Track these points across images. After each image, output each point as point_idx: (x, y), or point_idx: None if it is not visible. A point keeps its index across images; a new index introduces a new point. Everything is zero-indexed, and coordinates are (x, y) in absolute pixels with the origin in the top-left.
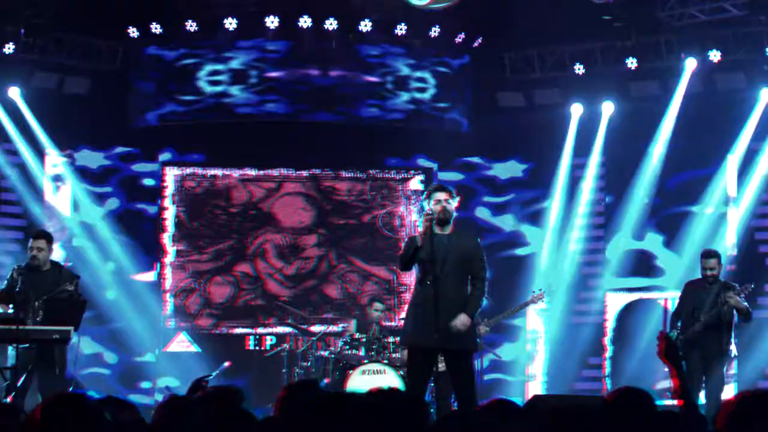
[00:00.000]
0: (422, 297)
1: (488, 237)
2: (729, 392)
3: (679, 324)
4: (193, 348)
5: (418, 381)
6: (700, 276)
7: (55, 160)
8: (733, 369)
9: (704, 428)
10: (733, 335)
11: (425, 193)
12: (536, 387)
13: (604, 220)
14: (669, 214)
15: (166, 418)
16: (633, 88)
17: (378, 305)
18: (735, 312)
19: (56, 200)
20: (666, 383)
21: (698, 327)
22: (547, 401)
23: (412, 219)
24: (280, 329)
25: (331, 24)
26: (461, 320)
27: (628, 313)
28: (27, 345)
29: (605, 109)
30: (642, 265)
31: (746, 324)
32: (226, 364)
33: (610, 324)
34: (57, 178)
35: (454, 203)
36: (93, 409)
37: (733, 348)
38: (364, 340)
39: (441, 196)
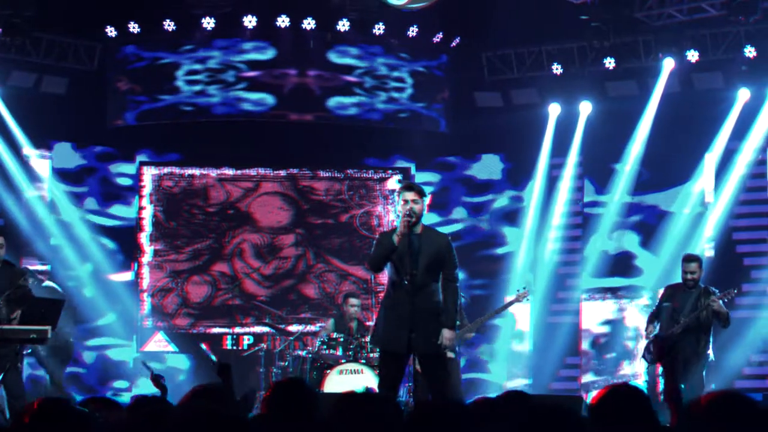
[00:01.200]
0: (394, 300)
1: (466, 237)
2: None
3: (657, 325)
4: (171, 348)
5: (390, 383)
6: (679, 278)
7: (33, 159)
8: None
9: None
10: (711, 339)
11: (396, 191)
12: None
13: (582, 219)
14: (646, 214)
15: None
16: (611, 88)
17: (353, 300)
18: (714, 317)
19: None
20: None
21: (678, 329)
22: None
23: (389, 219)
24: (258, 329)
25: (308, 24)
26: (447, 336)
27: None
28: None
29: (583, 109)
30: (619, 265)
31: (723, 329)
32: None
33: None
34: (34, 178)
35: (423, 203)
36: (81, 416)
37: (710, 352)
38: (341, 339)
39: (409, 196)
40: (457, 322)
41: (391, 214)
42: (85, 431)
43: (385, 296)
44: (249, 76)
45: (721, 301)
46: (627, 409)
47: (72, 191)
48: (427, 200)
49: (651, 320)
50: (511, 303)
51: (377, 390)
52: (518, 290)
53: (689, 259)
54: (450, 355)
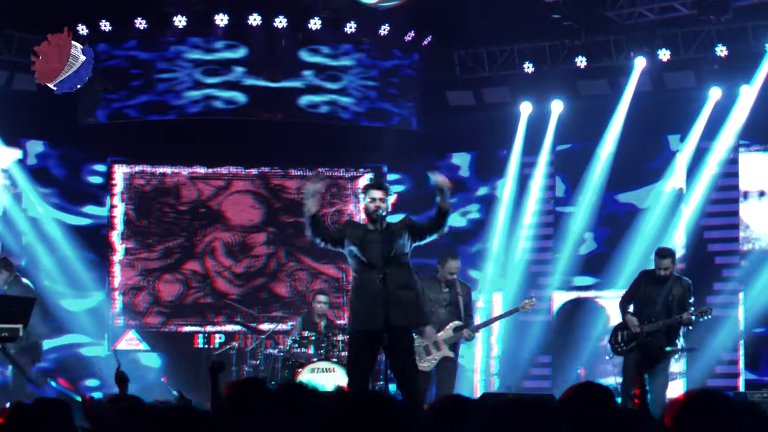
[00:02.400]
0: (366, 285)
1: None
2: (677, 390)
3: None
4: (142, 346)
5: (362, 366)
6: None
7: (4, 156)
8: (681, 366)
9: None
10: (680, 334)
11: (363, 187)
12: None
13: (553, 218)
14: (618, 213)
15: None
16: (582, 86)
17: (321, 297)
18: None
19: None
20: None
21: (648, 328)
22: (497, 399)
23: (361, 217)
24: (229, 327)
25: (280, 22)
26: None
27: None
28: None
29: (554, 107)
30: (591, 263)
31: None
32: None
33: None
34: (5, 175)
35: (389, 201)
36: (59, 418)
37: (680, 343)
38: (313, 338)
39: (378, 194)
40: (460, 323)
41: (362, 213)
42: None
43: (355, 285)
44: (221, 74)
45: (694, 317)
46: (593, 405)
47: (43, 189)
48: (392, 199)
49: (624, 306)
50: (516, 310)
51: (348, 378)
52: (526, 299)
53: (663, 255)
54: (449, 354)
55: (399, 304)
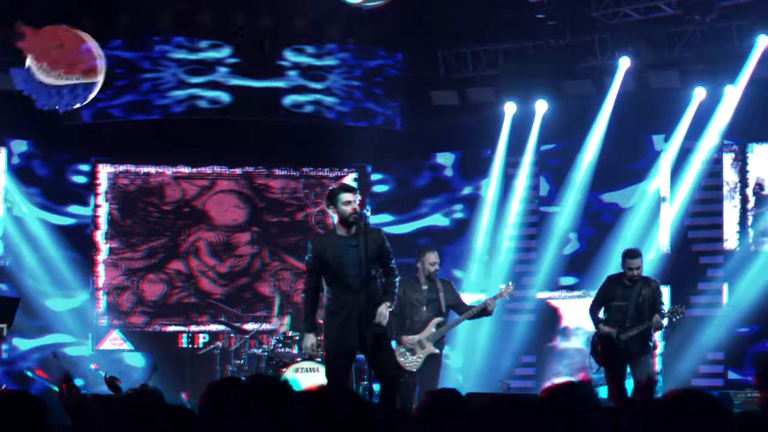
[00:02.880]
0: (339, 304)
1: (422, 235)
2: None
3: (602, 316)
4: (126, 346)
5: (339, 377)
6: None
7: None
8: (657, 366)
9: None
10: (652, 332)
11: (329, 194)
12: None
13: (538, 218)
14: (602, 213)
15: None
16: (566, 86)
17: None
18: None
19: None
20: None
21: (624, 336)
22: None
23: None
24: (213, 327)
25: (265, 22)
26: (383, 314)
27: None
28: None
29: (539, 107)
30: (575, 263)
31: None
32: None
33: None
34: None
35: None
36: (38, 408)
37: (652, 344)
38: (297, 338)
39: (349, 197)
40: (441, 319)
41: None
42: (43, 422)
43: (329, 301)
44: (205, 73)
45: (666, 319)
46: (573, 402)
47: (27, 189)
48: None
49: (595, 312)
50: (495, 298)
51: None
52: (502, 285)
53: (634, 255)
54: (435, 351)
55: (372, 321)
